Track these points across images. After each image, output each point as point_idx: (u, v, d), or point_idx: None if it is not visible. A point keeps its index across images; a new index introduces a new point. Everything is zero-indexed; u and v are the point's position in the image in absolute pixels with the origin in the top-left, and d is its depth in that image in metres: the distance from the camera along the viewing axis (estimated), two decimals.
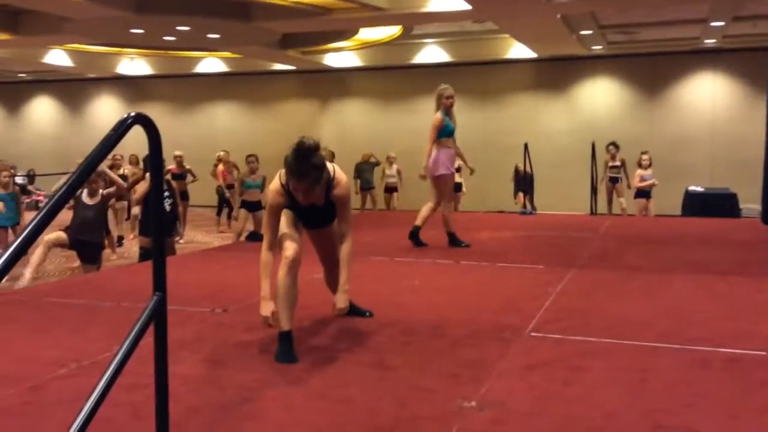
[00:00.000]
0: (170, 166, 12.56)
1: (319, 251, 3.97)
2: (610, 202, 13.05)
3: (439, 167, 6.74)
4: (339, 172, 3.60)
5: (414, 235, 6.92)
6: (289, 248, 3.48)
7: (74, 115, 21.41)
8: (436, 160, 6.74)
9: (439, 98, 6.83)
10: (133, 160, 14.81)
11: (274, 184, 3.52)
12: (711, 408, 2.77)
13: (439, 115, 6.80)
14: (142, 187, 7.30)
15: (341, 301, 3.58)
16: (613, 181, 12.95)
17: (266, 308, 3.45)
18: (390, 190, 14.75)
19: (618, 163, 12.92)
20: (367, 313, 4.23)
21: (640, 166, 12.17)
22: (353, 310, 4.11)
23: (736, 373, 3.19)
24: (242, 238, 9.59)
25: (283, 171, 3.44)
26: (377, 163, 15.03)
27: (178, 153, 13.40)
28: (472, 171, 11.63)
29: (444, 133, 6.79)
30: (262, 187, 10.34)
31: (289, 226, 3.57)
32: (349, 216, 3.67)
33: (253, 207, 10.22)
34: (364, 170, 14.80)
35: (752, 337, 3.76)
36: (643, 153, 12.40)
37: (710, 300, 4.71)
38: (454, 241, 6.93)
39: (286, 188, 3.45)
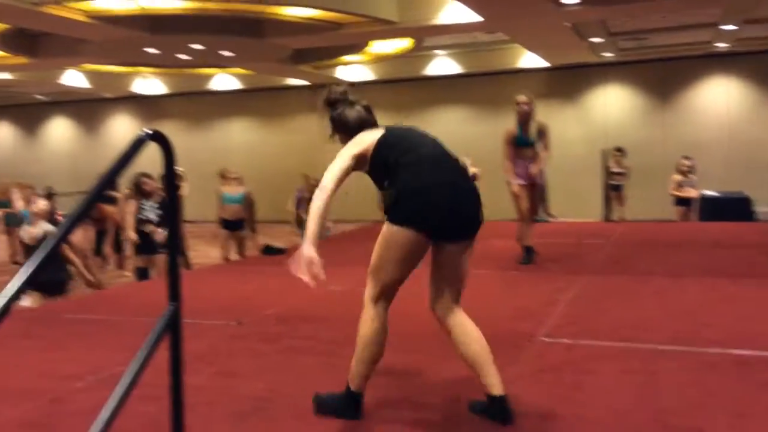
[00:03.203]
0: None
1: None
2: (610, 209, 12.52)
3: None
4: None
5: (525, 255, 6.52)
6: None
7: (90, 134, 21.70)
8: (506, 171, 6.50)
9: (515, 106, 6.42)
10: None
11: None
12: (719, 408, 2.79)
13: (510, 127, 6.45)
14: (130, 208, 6.99)
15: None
16: (615, 188, 12.36)
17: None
18: None
19: (621, 170, 12.33)
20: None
21: (680, 172, 11.14)
22: None
23: (746, 374, 3.20)
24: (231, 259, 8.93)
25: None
26: None
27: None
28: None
29: (517, 143, 6.42)
30: (242, 201, 9.14)
31: None
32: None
33: (234, 225, 9.11)
34: None
35: (761, 338, 3.77)
36: (683, 158, 11.27)
37: (721, 303, 4.71)
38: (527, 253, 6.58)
39: None
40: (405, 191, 2.69)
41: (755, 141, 14.92)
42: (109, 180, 2.22)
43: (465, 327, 2.75)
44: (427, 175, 2.71)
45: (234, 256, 9.25)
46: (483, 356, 2.70)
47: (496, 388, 2.67)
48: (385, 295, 2.78)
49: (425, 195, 2.67)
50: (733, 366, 3.32)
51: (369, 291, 2.78)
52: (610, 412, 2.78)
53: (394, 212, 2.71)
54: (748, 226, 9.91)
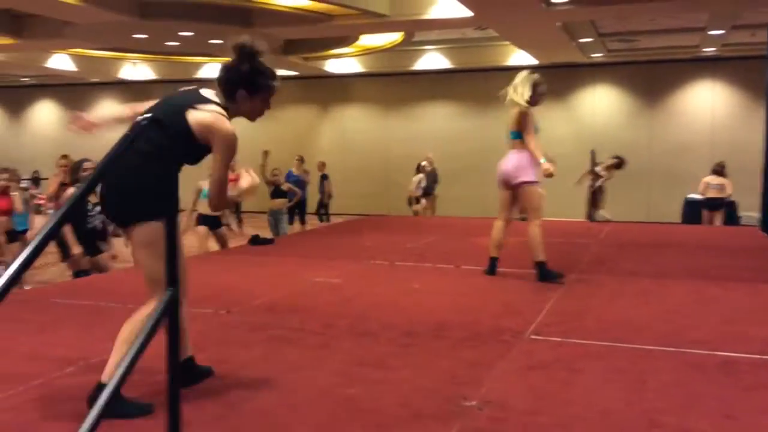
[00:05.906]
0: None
1: None
2: (595, 210, 12.70)
3: (523, 172, 5.37)
4: (215, 110, 2.92)
5: (543, 273, 5.47)
6: None
7: None
8: (519, 163, 5.35)
9: (534, 87, 5.39)
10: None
11: None
12: (706, 408, 2.84)
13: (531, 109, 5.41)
14: (67, 194, 6.17)
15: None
16: (599, 191, 12.41)
17: None
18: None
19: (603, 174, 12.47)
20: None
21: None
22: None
23: (731, 375, 3.25)
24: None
25: None
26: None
27: None
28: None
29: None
30: None
31: None
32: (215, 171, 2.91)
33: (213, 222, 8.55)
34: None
35: (747, 340, 3.82)
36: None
37: (706, 304, 4.77)
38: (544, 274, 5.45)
39: None
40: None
41: (739, 145, 15.08)
42: (109, 166, 2.22)
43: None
44: None
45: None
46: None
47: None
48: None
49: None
50: (718, 367, 3.36)
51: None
52: (598, 410, 2.81)
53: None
54: (732, 230, 10.02)
